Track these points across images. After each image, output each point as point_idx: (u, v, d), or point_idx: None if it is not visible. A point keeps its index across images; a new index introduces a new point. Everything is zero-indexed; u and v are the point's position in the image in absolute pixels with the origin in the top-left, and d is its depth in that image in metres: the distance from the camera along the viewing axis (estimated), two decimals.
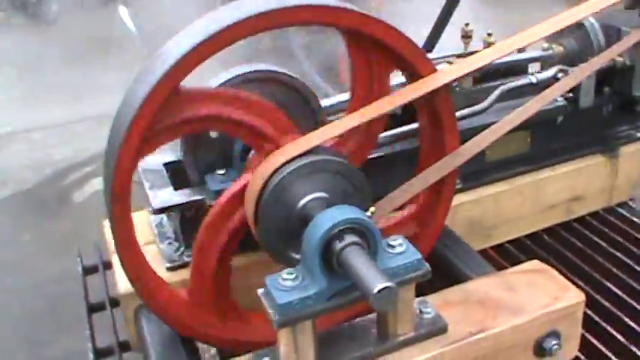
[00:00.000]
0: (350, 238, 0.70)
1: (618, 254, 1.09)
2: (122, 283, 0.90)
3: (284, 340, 0.73)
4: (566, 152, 1.09)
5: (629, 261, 1.08)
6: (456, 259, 0.93)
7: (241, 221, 0.81)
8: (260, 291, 0.73)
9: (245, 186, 0.80)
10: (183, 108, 0.75)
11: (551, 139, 1.09)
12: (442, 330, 0.80)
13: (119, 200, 0.74)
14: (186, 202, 0.90)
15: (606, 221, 1.15)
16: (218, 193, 0.86)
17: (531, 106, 0.83)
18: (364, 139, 0.86)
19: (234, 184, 0.82)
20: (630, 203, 1.18)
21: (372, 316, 0.80)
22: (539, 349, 0.84)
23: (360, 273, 0.67)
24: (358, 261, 0.69)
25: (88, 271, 1.08)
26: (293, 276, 0.72)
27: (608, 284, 1.03)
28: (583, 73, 0.83)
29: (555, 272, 0.88)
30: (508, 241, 1.10)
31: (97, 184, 2.77)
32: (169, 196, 0.91)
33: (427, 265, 0.75)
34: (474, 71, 0.82)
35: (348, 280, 0.72)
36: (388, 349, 0.78)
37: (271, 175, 0.76)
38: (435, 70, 0.82)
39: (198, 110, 0.76)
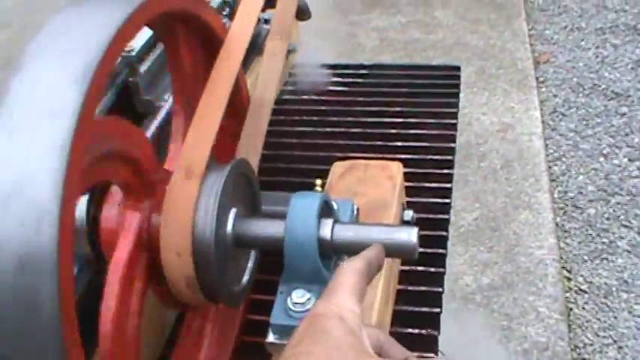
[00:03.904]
0: (329, 220, 0.62)
1: None
2: None
3: None
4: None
5: None
6: None
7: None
8: (271, 339, 0.60)
9: (139, 237, 0.60)
10: None
11: None
12: None
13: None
14: None
15: None
16: None
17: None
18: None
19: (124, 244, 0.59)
20: None
21: None
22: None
23: (382, 238, 0.60)
24: (362, 232, 0.61)
25: None
26: (305, 296, 0.60)
27: None
28: None
29: (361, 160, 0.92)
30: None
31: None
32: None
33: None
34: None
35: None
36: None
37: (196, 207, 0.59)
38: (224, 26, 0.71)
39: None
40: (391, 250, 0.60)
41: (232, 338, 0.78)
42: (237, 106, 0.79)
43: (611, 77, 2.60)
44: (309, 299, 0.59)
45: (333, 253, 0.61)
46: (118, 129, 0.57)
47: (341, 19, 3.03)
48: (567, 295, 1.94)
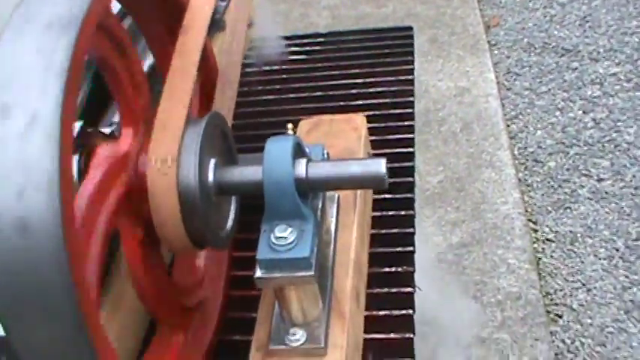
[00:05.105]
0: (303, 160, 0.66)
1: None
2: None
3: None
4: None
5: None
6: None
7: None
8: (259, 274, 0.64)
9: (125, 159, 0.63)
10: None
11: None
12: None
13: None
14: None
15: None
16: None
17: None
18: None
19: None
20: None
21: None
22: None
23: (352, 171, 0.65)
24: (334, 167, 0.66)
25: None
26: (287, 231, 0.64)
27: None
28: None
29: (326, 116, 0.96)
30: None
31: None
32: None
33: None
34: None
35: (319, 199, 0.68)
36: None
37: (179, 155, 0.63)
38: None
39: None
40: (363, 182, 0.65)
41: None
42: (206, 71, 0.82)
43: (561, 35, 2.67)
44: (291, 232, 0.64)
45: (309, 189, 0.66)
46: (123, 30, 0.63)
47: (292, 1, 3.07)
48: (535, 245, 2.00)
